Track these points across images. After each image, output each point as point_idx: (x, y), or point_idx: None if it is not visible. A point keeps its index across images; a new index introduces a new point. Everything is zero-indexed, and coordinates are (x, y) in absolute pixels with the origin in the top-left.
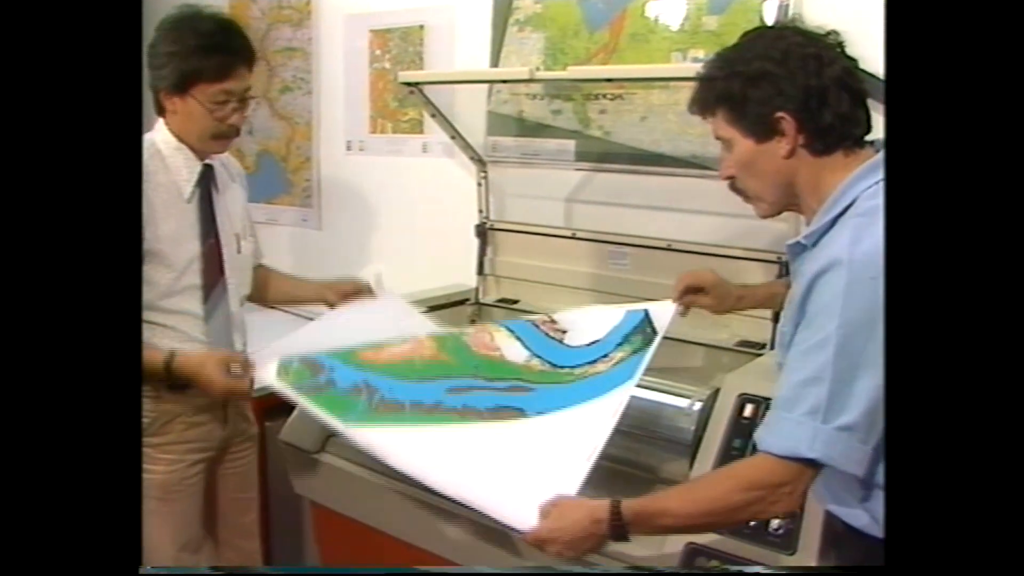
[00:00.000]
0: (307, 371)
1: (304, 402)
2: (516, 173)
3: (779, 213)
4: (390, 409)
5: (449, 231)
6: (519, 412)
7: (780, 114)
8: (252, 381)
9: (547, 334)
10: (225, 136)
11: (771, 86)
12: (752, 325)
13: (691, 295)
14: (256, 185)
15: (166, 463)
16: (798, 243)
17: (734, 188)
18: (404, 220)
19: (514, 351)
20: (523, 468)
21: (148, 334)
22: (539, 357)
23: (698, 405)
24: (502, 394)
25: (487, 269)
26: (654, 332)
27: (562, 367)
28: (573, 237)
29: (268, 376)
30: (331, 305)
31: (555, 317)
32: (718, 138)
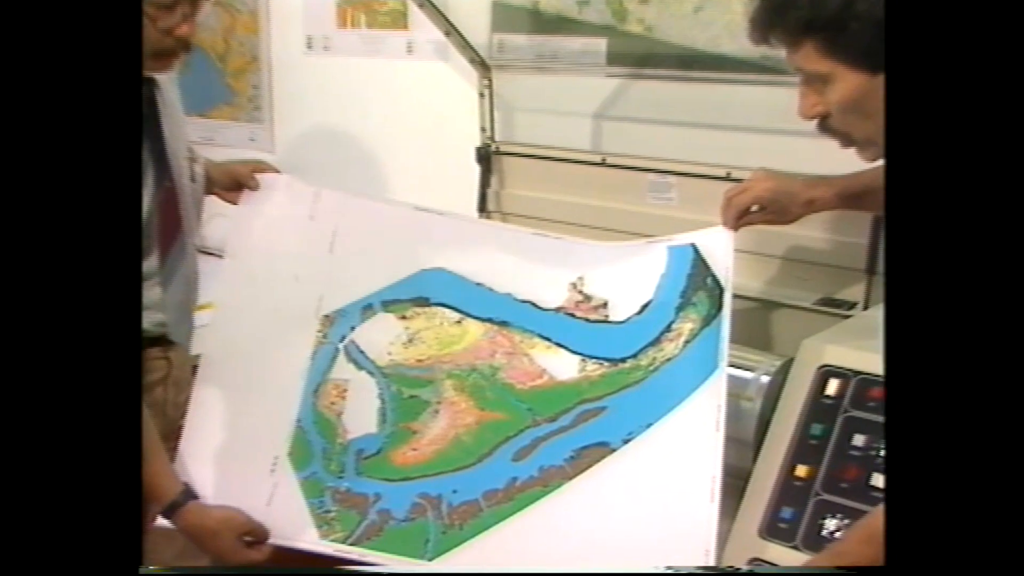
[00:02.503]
0: (353, 513)
1: (369, 554)
2: (529, 81)
3: None
4: (465, 515)
5: (442, 156)
6: (603, 447)
7: None
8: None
9: (587, 319)
10: (170, 54)
11: None
12: (838, 278)
13: (746, 217)
14: (184, 93)
15: None
16: None
17: (826, 129)
18: (383, 142)
19: (562, 364)
20: (642, 528)
21: None
22: (593, 357)
23: (765, 379)
24: (573, 432)
25: (492, 205)
26: (716, 284)
27: (623, 359)
28: (603, 164)
29: (309, 539)
30: (229, 199)
31: (585, 290)
32: (800, 70)
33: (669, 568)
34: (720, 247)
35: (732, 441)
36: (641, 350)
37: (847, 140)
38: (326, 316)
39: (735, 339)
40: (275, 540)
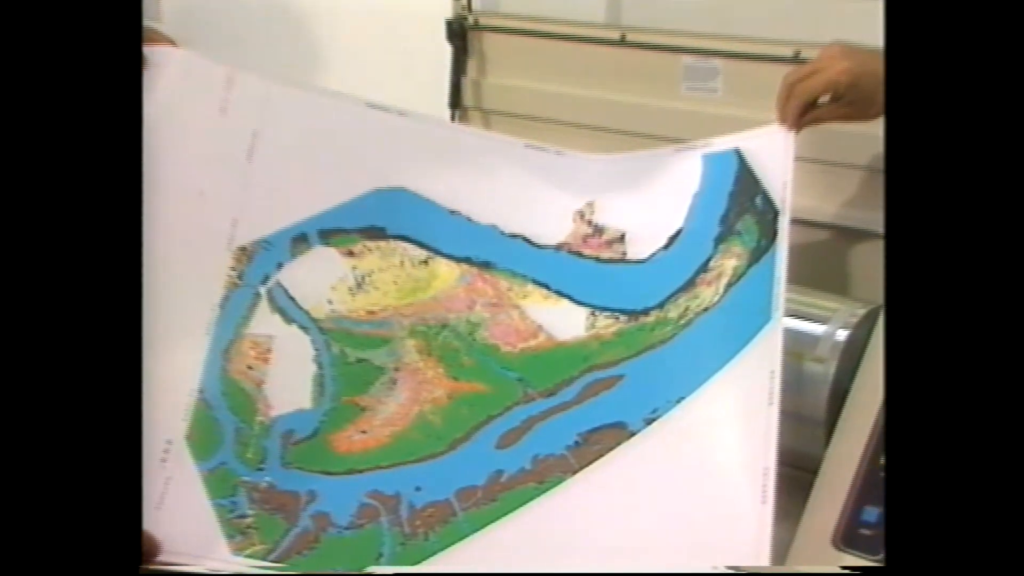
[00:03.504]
0: (278, 518)
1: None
2: None
3: None
4: (432, 521)
5: (401, 32)
6: (619, 429)
7: None
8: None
9: (598, 258)
10: None
11: None
12: None
13: (813, 112)
14: None
15: None
16: None
17: None
18: (320, 10)
19: (564, 318)
20: (669, 538)
21: None
22: (606, 309)
23: (842, 334)
24: (579, 409)
25: (468, 99)
26: (769, 205)
27: (646, 311)
28: (621, 42)
29: (217, 554)
30: None
31: (595, 220)
32: None
33: (729, 568)
34: (776, 154)
35: (794, 419)
36: (669, 298)
37: None
38: (242, 248)
39: (799, 280)
40: (169, 556)
